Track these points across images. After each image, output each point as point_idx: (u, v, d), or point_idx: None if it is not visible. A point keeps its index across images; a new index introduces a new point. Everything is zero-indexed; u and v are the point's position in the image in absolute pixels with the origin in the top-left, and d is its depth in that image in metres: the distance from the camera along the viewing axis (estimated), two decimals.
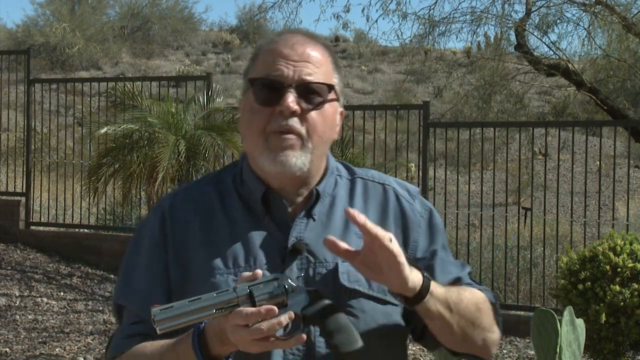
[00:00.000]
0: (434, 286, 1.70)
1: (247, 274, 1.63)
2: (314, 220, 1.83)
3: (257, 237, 1.81)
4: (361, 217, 1.60)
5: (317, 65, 1.81)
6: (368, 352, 1.74)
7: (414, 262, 1.74)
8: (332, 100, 1.83)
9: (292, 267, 1.77)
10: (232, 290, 1.59)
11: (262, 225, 1.82)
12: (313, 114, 1.79)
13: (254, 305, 1.58)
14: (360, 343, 1.66)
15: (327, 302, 1.66)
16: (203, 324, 1.66)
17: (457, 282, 1.85)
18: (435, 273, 1.83)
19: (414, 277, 1.66)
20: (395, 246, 1.62)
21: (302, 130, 1.78)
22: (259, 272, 1.62)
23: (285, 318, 1.58)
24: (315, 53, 1.82)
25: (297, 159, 1.78)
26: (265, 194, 1.83)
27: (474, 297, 1.79)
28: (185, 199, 1.89)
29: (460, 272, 1.88)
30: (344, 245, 1.64)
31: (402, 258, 1.62)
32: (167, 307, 1.59)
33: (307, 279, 1.77)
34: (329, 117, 1.82)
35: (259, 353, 1.66)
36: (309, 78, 1.79)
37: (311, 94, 1.79)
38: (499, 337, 1.86)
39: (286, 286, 1.62)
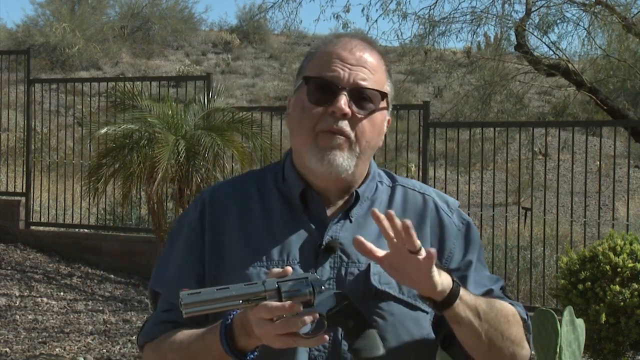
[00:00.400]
0: (464, 292, 1.70)
1: (277, 270, 1.65)
2: (350, 221, 1.84)
3: (293, 233, 1.83)
4: (406, 222, 1.60)
5: (372, 72, 1.83)
6: (397, 355, 1.76)
7: (449, 270, 1.75)
8: (382, 108, 1.85)
9: (325, 266, 1.79)
10: (261, 284, 1.62)
11: (299, 222, 1.84)
12: (363, 120, 1.80)
13: (280, 301, 1.60)
14: (382, 351, 1.67)
15: (353, 306, 1.68)
16: (231, 316, 1.69)
17: (488, 294, 1.85)
18: (468, 284, 1.84)
19: (444, 281, 1.66)
20: (425, 255, 1.61)
21: (351, 134, 1.79)
22: (289, 269, 1.64)
23: (308, 317, 1.60)
24: (372, 59, 1.84)
25: (344, 160, 1.80)
26: (304, 191, 1.85)
27: (504, 309, 1.79)
28: (226, 192, 1.92)
29: (493, 285, 1.88)
30: (370, 246, 1.64)
31: (430, 265, 1.62)
32: (195, 292, 1.62)
33: (338, 278, 1.78)
34: (377, 124, 1.84)
35: (284, 350, 1.68)
36: (363, 83, 1.80)
37: (363, 99, 1.81)
38: (529, 353, 1.84)
39: (314, 286, 1.64)
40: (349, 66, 1.81)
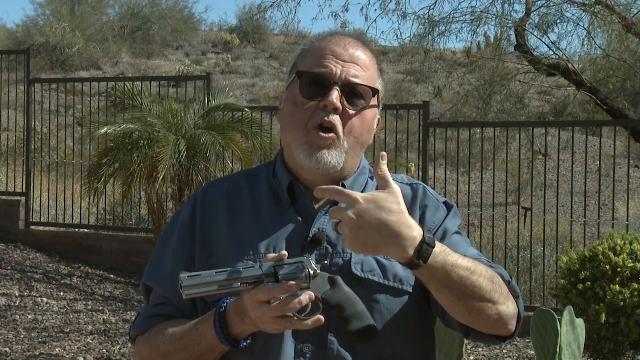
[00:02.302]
0: (439, 251, 1.63)
1: (272, 255, 1.68)
2: None
3: (281, 226, 1.85)
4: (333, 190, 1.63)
5: (364, 69, 1.86)
6: (385, 342, 1.77)
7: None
8: (373, 105, 1.88)
9: (312, 258, 1.79)
10: (258, 267, 1.66)
11: (287, 216, 1.86)
12: (354, 116, 1.83)
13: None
14: (375, 328, 1.70)
15: (347, 289, 1.70)
16: (225, 304, 1.72)
17: None
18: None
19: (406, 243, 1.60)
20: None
21: (341, 128, 1.82)
22: (285, 253, 1.67)
23: (305, 298, 1.63)
24: (365, 57, 1.87)
25: (333, 158, 1.82)
26: (292, 184, 1.88)
27: (485, 271, 1.72)
28: (218, 189, 1.96)
29: (468, 251, 1.83)
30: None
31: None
32: (195, 275, 1.66)
33: (324, 270, 1.78)
34: (367, 121, 1.87)
35: (271, 341, 1.73)
36: (355, 80, 1.84)
37: (355, 95, 1.84)
38: (516, 312, 1.78)
39: (309, 270, 1.67)
40: (341, 62, 1.84)
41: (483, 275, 1.70)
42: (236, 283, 1.64)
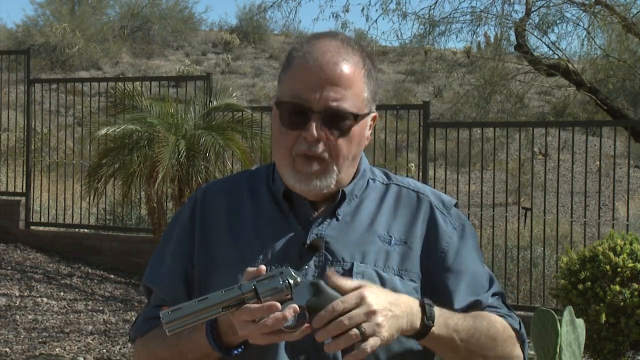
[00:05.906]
0: (439, 317, 1.71)
1: (251, 269, 1.66)
2: (337, 220, 1.84)
3: (280, 232, 1.83)
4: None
5: (346, 87, 1.78)
6: (383, 353, 1.77)
7: (439, 270, 1.81)
8: (361, 119, 1.81)
9: (310, 265, 1.79)
10: (238, 288, 1.64)
11: (286, 222, 1.85)
12: (338, 139, 1.79)
13: (259, 301, 1.63)
14: None
15: (330, 292, 1.68)
16: None
17: (475, 305, 1.84)
18: (458, 291, 1.84)
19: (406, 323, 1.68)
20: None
21: (326, 155, 1.79)
22: (263, 267, 1.66)
23: (289, 312, 1.62)
24: (348, 70, 1.78)
25: (322, 182, 1.80)
26: (289, 190, 1.85)
27: (491, 328, 1.80)
28: (218, 190, 1.94)
29: (484, 292, 1.87)
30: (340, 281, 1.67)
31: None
32: (176, 308, 1.65)
33: (322, 277, 1.77)
34: (356, 137, 1.82)
35: (266, 352, 1.74)
36: (335, 104, 1.76)
37: (338, 119, 1.78)
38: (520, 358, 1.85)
39: (290, 280, 1.66)
40: (320, 86, 1.76)
41: (489, 334, 1.79)
42: (218, 309, 1.64)
